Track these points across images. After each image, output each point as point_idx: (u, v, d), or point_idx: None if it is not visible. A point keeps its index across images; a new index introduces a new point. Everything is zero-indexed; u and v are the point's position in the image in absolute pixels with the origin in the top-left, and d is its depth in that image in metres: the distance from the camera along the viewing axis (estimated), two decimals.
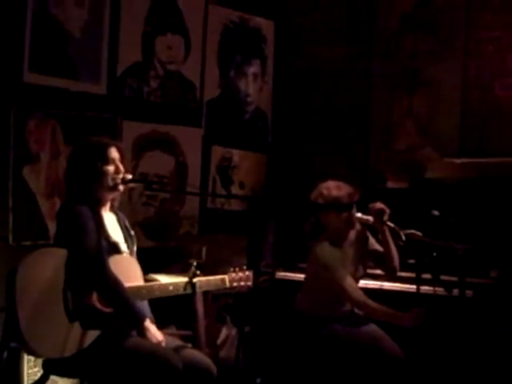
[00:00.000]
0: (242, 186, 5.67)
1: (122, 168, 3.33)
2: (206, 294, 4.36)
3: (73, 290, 3.07)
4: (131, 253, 3.38)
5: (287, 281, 4.62)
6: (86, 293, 3.10)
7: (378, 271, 4.23)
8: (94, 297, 3.11)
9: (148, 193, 4.93)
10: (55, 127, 4.54)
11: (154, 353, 3.10)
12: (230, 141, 5.64)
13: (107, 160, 3.29)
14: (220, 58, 5.58)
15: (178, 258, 4.79)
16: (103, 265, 3.11)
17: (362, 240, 4.05)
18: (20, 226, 4.35)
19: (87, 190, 3.27)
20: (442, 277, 3.76)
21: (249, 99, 5.79)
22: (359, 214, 3.91)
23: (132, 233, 3.46)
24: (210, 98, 5.51)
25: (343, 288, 3.77)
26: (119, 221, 3.43)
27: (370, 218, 3.88)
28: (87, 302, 3.09)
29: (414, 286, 3.71)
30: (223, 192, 5.57)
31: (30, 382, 3.76)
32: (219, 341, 4.90)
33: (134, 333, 3.17)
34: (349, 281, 3.80)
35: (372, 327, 3.91)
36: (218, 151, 5.57)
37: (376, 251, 4.04)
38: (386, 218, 3.81)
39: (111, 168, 3.30)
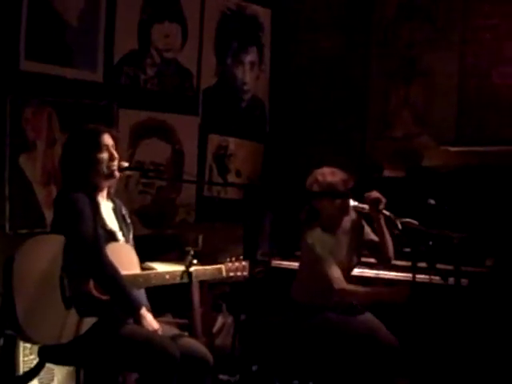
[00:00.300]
0: (238, 174, 5.67)
1: (116, 155, 3.32)
2: (202, 282, 4.36)
3: (70, 277, 3.08)
4: (127, 241, 3.38)
5: (283, 269, 4.63)
6: (82, 280, 3.10)
7: (373, 260, 4.24)
8: (91, 284, 3.11)
9: (144, 181, 4.93)
10: (51, 115, 4.53)
11: (150, 341, 3.10)
12: (226, 129, 5.64)
13: (100, 147, 3.28)
14: (217, 45, 5.57)
15: (174, 245, 4.79)
16: (100, 251, 3.11)
17: (357, 228, 4.05)
18: (17, 215, 4.35)
19: (83, 178, 3.27)
20: (438, 265, 3.77)
21: (246, 87, 5.78)
22: (355, 203, 3.91)
23: (128, 221, 3.46)
24: (206, 86, 5.50)
25: (325, 274, 3.79)
26: (116, 209, 3.43)
27: (366, 207, 3.89)
28: (84, 289, 3.10)
29: (410, 275, 3.72)
30: (220, 180, 5.57)
31: (26, 369, 3.76)
32: (215, 329, 4.91)
33: (131, 321, 3.17)
34: (333, 270, 3.80)
35: (367, 316, 3.93)
36: (214, 139, 5.56)
37: (371, 240, 4.04)
38: (381, 206, 3.81)
39: (105, 155, 3.29)
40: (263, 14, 5.88)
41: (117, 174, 3.33)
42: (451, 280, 3.73)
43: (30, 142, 4.44)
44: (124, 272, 3.17)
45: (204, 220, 5.36)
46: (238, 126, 5.72)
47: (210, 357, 3.34)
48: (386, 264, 4.10)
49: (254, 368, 4.55)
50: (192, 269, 3.42)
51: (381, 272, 4.40)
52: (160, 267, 4.03)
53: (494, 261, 4.24)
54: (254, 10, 5.80)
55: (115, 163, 3.31)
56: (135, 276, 3.26)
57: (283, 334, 4.07)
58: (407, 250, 4.20)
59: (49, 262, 3.06)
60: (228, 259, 3.58)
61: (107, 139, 3.32)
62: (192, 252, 3.48)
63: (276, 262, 4.74)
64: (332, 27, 5.78)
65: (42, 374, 3.84)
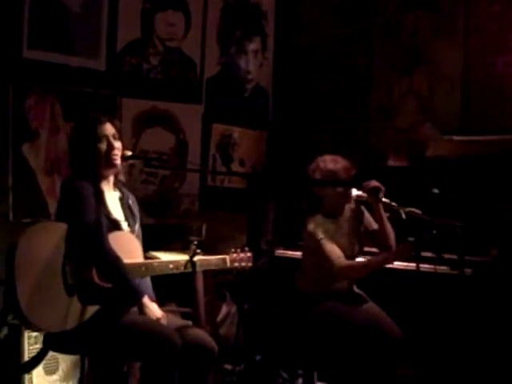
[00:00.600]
0: (242, 163, 5.66)
1: (116, 144, 3.30)
2: (205, 271, 4.36)
3: (72, 264, 3.07)
4: (132, 231, 3.37)
5: (287, 258, 4.62)
6: (85, 267, 3.10)
7: (376, 250, 4.24)
8: (94, 272, 3.11)
9: (148, 170, 4.93)
10: (54, 103, 4.53)
11: (151, 330, 3.10)
12: (230, 118, 5.63)
13: (98, 137, 3.28)
14: (220, 34, 5.56)
15: (178, 235, 4.79)
16: (102, 239, 3.11)
17: (357, 217, 4.05)
18: (20, 203, 4.35)
19: (87, 167, 3.28)
20: (442, 255, 3.77)
21: (249, 76, 5.77)
22: (359, 192, 3.90)
23: (135, 211, 3.45)
24: (210, 75, 5.49)
25: (327, 256, 3.79)
26: (123, 199, 3.42)
27: (365, 195, 3.89)
28: (86, 276, 3.09)
29: (414, 264, 3.71)
30: (223, 169, 5.56)
31: None
32: (219, 318, 4.91)
33: (135, 309, 3.17)
34: (334, 250, 3.80)
35: (371, 306, 3.93)
36: (218, 128, 5.55)
37: (373, 230, 4.04)
38: (381, 195, 3.81)
39: (103, 145, 3.28)
40: (266, 2, 5.85)
41: (117, 163, 3.32)
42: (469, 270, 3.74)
43: (32, 131, 4.44)
44: (126, 261, 3.16)
45: (208, 209, 5.35)
46: (241, 115, 5.70)
47: (215, 346, 3.34)
48: None
49: (258, 357, 4.56)
50: (196, 258, 3.41)
51: None
52: (164, 256, 4.04)
53: (498, 250, 4.23)
54: None
55: (115, 153, 3.30)
56: (138, 265, 3.25)
57: (287, 323, 4.07)
58: (411, 239, 4.20)
59: (51, 249, 3.06)
60: (232, 250, 3.57)
61: (107, 129, 3.31)
62: (196, 242, 3.47)
63: (280, 252, 4.73)
64: (336, 16, 5.75)
65: (47, 363, 3.86)
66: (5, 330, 3.76)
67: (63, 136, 4.51)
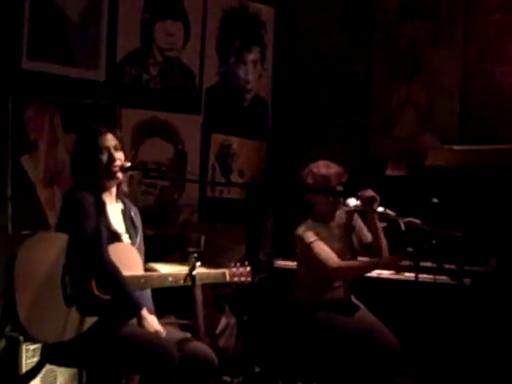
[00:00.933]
0: (241, 174, 5.64)
1: (116, 155, 3.31)
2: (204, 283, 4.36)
3: (72, 275, 3.08)
4: (133, 243, 3.37)
5: (286, 269, 4.61)
6: (84, 278, 3.10)
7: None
8: (93, 283, 3.11)
9: (147, 181, 4.93)
10: (54, 114, 4.54)
11: (149, 342, 3.10)
12: (229, 128, 5.62)
13: (99, 149, 3.29)
14: (219, 44, 5.55)
15: (176, 246, 4.79)
16: (101, 250, 3.12)
17: (349, 225, 4.07)
18: (19, 215, 4.35)
19: (88, 178, 3.29)
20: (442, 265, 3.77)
21: (248, 86, 5.77)
22: (357, 202, 3.89)
23: (137, 224, 3.45)
24: (209, 85, 5.48)
25: (319, 259, 3.81)
26: (125, 210, 3.43)
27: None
28: (85, 287, 3.10)
29: (413, 274, 3.71)
30: (222, 180, 5.55)
31: None
32: (218, 330, 4.91)
33: (133, 321, 3.16)
34: (325, 251, 3.83)
35: (368, 316, 3.93)
36: (217, 139, 5.55)
37: (367, 243, 4.05)
38: (376, 205, 3.81)
39: (104, 157, 3.29)
40: (266, 12, 5.85)
41: (119, 175, 3.33)
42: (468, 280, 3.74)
43: (32, 142, 4.44)
44: (125, 273, 3.16)
45: (207, 220, 5.35)
46: (240, 125, 5.70)
47: (214, 358, 3.34)
48: None
49: (257, 369, 4.55)
50: (195, 272, 3.40)
51: (383, 272, 4.39)
52: (163, 268, 4.04)
53: (497, 260, 4.23)
54: (256, 9, 5.77)
55: (116, 164, 3.30)
56: (137, 277, 3.25)
57: (285, 334, 4.07)
58: (410, 249, 4.20)
59: (51, 259, 3.06)
60: (232, 264, 3.57)
61: (108, 140, 3.32)
62: (195, 253, 3.47)
63: (278, 263, 4.73)
64: (335, 25, 5.75)
65: (45, 376, 3.85)
66: (3, 343, 3.76)
67: (62, 147, 4.51)
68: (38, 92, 4.47)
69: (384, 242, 3.95)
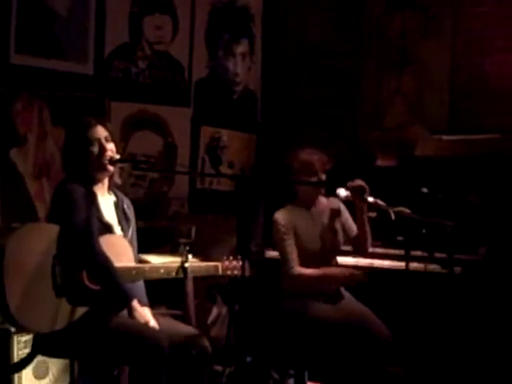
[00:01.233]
0: (231, 165, 5.65)
1: (108, 146, 3.32)
2: None
3: (62, 265, 3.08)
4: (125, 235, 3.37)
5: (276, 260, 4.62)
6: (75, 269, 3.10)
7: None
8: (84, 274, 3.11)
9: (137, 173, 4.93)
10: (42, 108, 4.52)
11: (138, 333, 3.08)
12: (218, 121, 5.62)
13: (90, 141, 3.29)
14: (208, 37, 5.55)
15: (167, 238, 4.79)
16: (92, 241, 3.12)
17: (334, 213, 4.09)
18: (8, 208, 4.34)
19: (80, 170, 3.30)
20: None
21: (237, 79, 5.77)
22: (347, 193, 3.90)
23: (130, 216, 3.46)
24: (198, 78, 5.48)
25: (283, 251, 3.91)
26: (117, 203, 3.43)
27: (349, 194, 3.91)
28: (76, 277, 3.10)
29: (403, 264, 3.72)
30: (212, 172, 5.56)
31: None
32: (210, 320, 4.91)
33: (124, 313, 3.16)
34: (290, 248, 3.89)
35: (357, 306, 3.94)
36: (206, 131, 5.55)
37: (351, 233, 4.07)
38: (366, 195, 3.82)
39: (95, 149, 3.29)
40: (254, 5, 5.85)
41: (109, 167, 3.33)
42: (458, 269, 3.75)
43: (20, 136, 4.43)
44: (116, 264, 3.16)
45: (197, 212, 5.35)
46: (230, 118, 5.70)
47: (208, 346, 3.33)
48: (362, 255, 4.18)
49: (249, 359, 4.56)
50: (187, 264, 3.40)
51: (375, 261, 4.41)
52: (154, 259, 4.03)
53: (486, 248, 4.24)
54: (245, 2, 5.77)
55: (107, 154, 3.30)
56: (128, 268, 3.25)
57: (276, 324, 4.07)
58: (400, 238, 4.21)
59: (41, 250, 3.07)
60: (224, 256, 3.57)
61: (99, 132, 3.33)
62: (186, 245, 3.47)
63: (269, 253, 4.73)
64: (323, 17, 5.76)
65: (37, 367, 3.85)
66: None
67: (51, 141, 4.50)
68: (26, 86, 4.45)
69: (369, 235, 4.00)
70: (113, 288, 3.12)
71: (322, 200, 4.12)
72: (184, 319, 4.36)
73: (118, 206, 3.42)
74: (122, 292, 3.14)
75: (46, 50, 4.55)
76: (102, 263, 3.11)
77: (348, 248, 4.20)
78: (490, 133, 4.79)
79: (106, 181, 3.40)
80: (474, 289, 4.09)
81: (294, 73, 5.89)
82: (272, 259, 4.63)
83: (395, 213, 3.71)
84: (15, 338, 3.77)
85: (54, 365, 3.92)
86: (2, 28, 4.34)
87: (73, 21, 4.69)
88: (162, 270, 3.37)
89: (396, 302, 3.79)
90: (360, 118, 5.58)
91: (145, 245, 3.71)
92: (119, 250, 3.26)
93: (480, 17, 5.09)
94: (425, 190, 4.21)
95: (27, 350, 3.71)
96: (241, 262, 3.52)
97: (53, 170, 4.44)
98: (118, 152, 3.37)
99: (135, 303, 3.16)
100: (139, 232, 3.52)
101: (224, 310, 4.96)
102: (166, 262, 3.60)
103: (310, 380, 4.15)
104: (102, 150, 3.30)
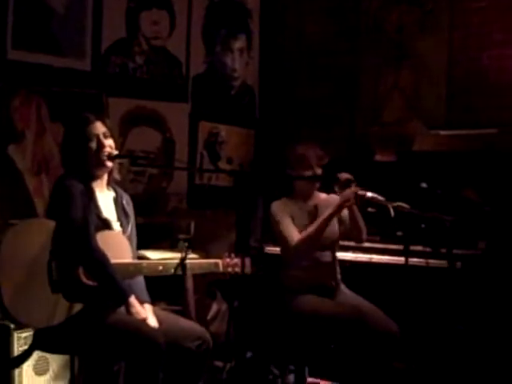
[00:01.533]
0: (229, 161, 5.66)
1: (106, 142, 3.31)
2: None
3: (58, 261, 3.07)
4: (124, 232, 3.36)
5: (276, 255, 4.62)
6: (71, 265, 3.09)
7: (367, 244, 4.26)
8: (80, 270, 3.10)
9: (135, 169, 4.92)
10: (40, 104, 4.51)
11: (136, 329, 3.08)
12: (217, 116, 5.62)
13: (89, 137, 3.29)
14: (205, 33, 5.55)
15: (166, 233, 4.78)
16: (89, 237, 3.11)
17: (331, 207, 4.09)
18: (7, 204, 4.33)
19: (78, 166, 3.29)
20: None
21: (235, 74, 5.76)
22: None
23: (129, 212, 3.45)
24: (196, 73, 5.48)
25: (279, 231, 3.93)
26: (117, 199, 3.42)
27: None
28: (72, 273, 3.09)
29: (403, 258, 3.72)
30: (211, 167, 5.56)
31: None
32: (209, 316, 4.91)
33: (121, 309, 3.15)
34: (289, 229, 3.91)
35: (357, 300, 3.94)
36: (205, 127, 5.54)
37: (345, 222, 4.08)
38: (353, 186, 3.83)
39: (93, 145, 3.29)
40: (251, 0, 5.84)
41: (108, 163, 3.32)
42: (445, 263, 3.75)
43: (18, 132, 4.41)
44: (114, 260, 3.15)
45: (196, 208, 5.35)
46: (228, 113, 5.70)
47: (209, 340, 3.33)
48: (359, 243, 4.15)
49: (249, 355, 4.56)
50: (187, 261, 3.39)
51: (374, 256, 4.41)
52: (153, 255, 4.03)
53: (486, 243, 4.25)
54: None
55: (106, 150, 3.30)
56: (125, 264, 3.24)
57: (276, 319, 4.08)
58: (399, 233, 4.22)
59: (38, 246, 3.06)
60: (223, 251, 3.56)
61: (97, 128, 3.32)
62: (185, 240, 3.45)
63: (269, 248, 4.73)
64: (321, 12, 5.76)
65: (37, 364, 3.85)
66: None
67: (50, 137, 4.49)
68: (24, 82, 4.43)
69: (363, 225, 3.99)
70: (110, 284, 3.11)
71: (321, 195, 4.15)
72: (184, 315, 4.36)
73: (117, 201, 3.42)
74: (118, 288, 3.13)
75: (44, 46, 4.53)
76: (98, 259, 3.10)
77: (347, 243, 4.20)
78: (488, 127, 4.79)
79: (105, 177, 3.39)
80: (473, 283, 4.10)
81: (291, 68, 5.89)
82: (272, 254, 4.64)
83: (394, 208, 3.71)
84: (15, 335, 3.77)
85: (55, 361, 3.92)
86: None
87: (70, 16, 4.67)
88: (161, 268, 3.35)
89: (395, 297, 3.80)
90: (358, 112, 5.58)
91: (144, 240, 3.71)
92: (117, 246, 3.25)
93: (477, 11, 5.09)
94: (424, 185, 4.21)
95: (27, 347, 3.72)
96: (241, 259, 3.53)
97: (51, 166, 4.42)
98: (116, 148, 3.37)
99: (133, 299, 3.15)
100: (138, 228, 3.51)
101: (224, 306, 4.96)
102: (165, 258, 3.59)
103: (310, 376, 4.16)
104: (101, 145, 3.29)
